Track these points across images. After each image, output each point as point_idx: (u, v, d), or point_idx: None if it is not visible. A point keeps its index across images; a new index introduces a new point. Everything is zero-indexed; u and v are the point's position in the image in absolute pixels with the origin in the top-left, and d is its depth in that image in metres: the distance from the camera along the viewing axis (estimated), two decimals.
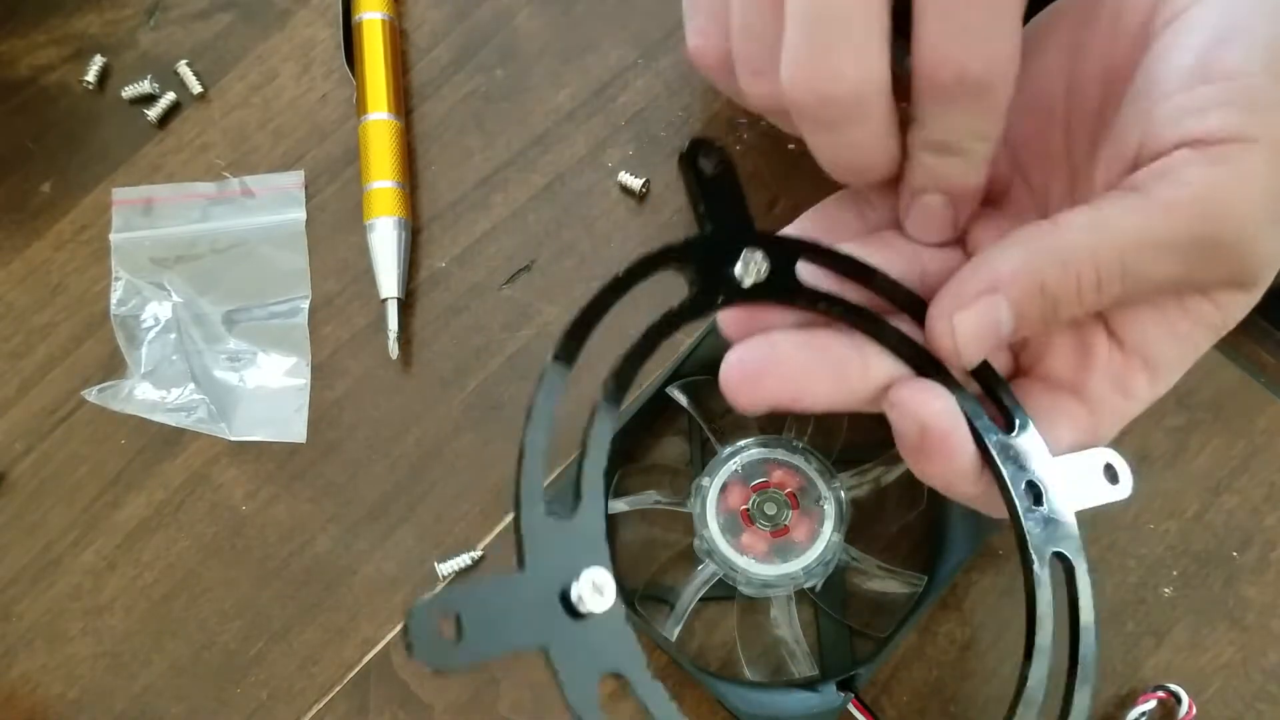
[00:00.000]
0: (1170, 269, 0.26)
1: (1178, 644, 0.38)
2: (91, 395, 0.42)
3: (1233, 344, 0.41)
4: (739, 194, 0.28)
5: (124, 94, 0.45)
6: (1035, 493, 0.29)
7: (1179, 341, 0.29)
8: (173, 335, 0.42)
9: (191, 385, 0.42)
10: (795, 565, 0.37)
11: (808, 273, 0.28)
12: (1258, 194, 0.26)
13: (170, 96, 0.45)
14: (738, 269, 0.27)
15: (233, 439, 0.41)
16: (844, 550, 0.37)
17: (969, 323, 0.27)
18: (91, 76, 0.45)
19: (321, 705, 0.39)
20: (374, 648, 0.40)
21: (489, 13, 0.45)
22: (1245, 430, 0.40)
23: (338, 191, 0.44)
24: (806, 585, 0.37)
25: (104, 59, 0.45)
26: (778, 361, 0.26)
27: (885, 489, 0.39)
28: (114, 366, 0.42)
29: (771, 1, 0.27)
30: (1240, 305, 0.29)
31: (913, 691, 0.38)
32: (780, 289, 0.28)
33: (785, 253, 0.28)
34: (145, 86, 0.45)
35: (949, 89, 0.26)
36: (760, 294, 0.27)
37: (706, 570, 0.38)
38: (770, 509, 0.37)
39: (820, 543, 0.37)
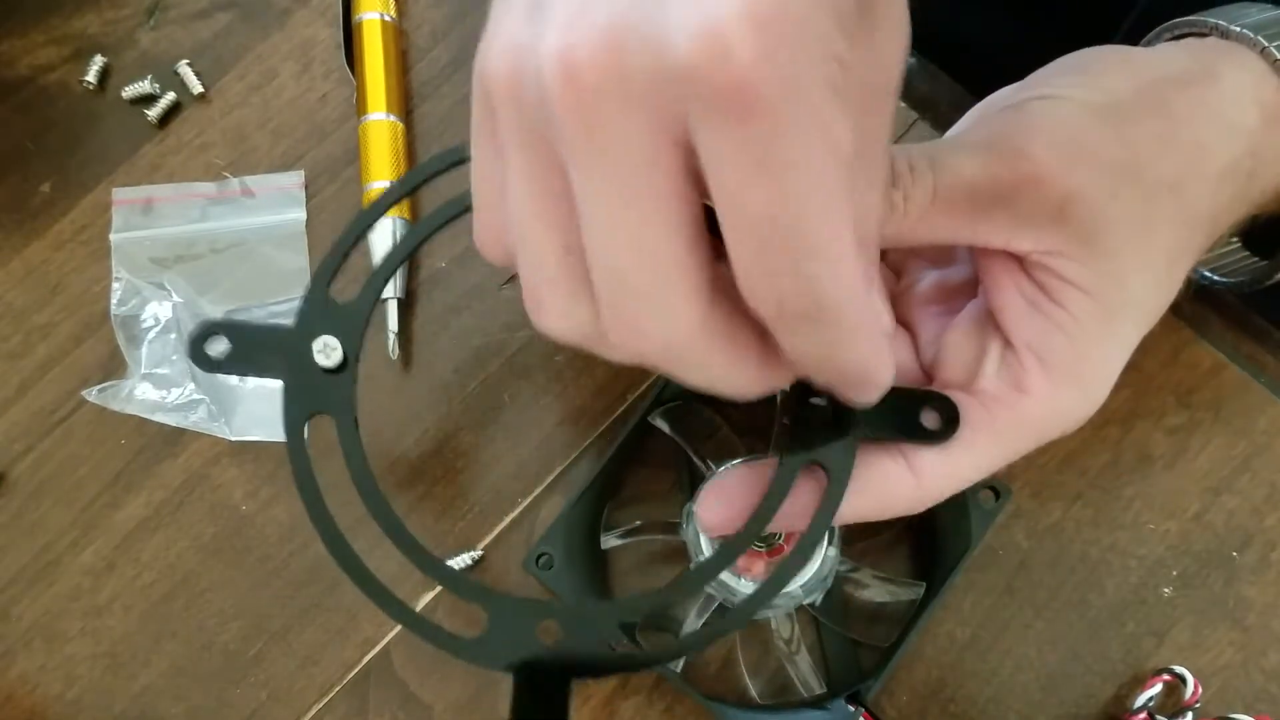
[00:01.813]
0: (972, 169, 0.28)
1: (1178, 644, 0.38)
2: (91, 395, 0.42)
3: (1233, 344, 0.41)
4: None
5: (124, 94, 0.45)
6: (813, 398, 0.28)
7: (1060, 331, 0.29)
8: (173, 335, 0.42)
9: (191, 385, 0.42)
10: (794, 584, 0.36)
11: None
12: (1043, 126, 0.28)
13: (170, 96, 0.45)
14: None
15: (233, 439, 0.41)
16: (840, 564, 0.37)
17: None
18: (91, 76, 0.45)
19: (321, 705, 0.39)
20: (374, 648, 0.40)
21: (488, 13, 0.45)
22: (1246, 430, 0.40)
23: (338, 191, 0.44)
24: (806, 602, 0.37)
25: (104, 59, 0.45)
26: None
27: None
28: (114, 366, 0.42)
29: (556, 235, 0.22)
30: (1100, 277, 0.29)
31: (912, 692, 0.38)
32: None
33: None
34: (145, 86, 0.45)
35: (778, 323, 0.22)
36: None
37: (705, 598, 0.37)
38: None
39: (817, 559, 0.36)
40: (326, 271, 0.31)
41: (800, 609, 0.37)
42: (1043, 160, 0.28)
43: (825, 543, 0.37)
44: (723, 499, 0.29)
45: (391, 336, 0.41)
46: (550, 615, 0.28)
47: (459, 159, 0.31)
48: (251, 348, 0.30)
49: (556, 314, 0.23)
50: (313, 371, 0.30)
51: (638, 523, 0.39)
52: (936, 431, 0.29)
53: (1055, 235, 0.28)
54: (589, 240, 0.21)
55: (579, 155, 0.20)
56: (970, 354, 0.30)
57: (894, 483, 0.29)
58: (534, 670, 0.28)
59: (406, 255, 0.33)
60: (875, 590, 0.38)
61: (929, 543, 0.39)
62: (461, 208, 0.32)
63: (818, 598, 0.37)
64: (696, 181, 0.20)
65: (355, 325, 0.30)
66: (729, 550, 0.29)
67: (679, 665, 0.37)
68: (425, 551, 0.29)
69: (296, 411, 0.30)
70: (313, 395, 0.30)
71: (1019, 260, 0.29)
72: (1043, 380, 0.29)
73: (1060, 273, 0.29)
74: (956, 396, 0.29)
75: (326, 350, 0.30)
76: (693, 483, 0.39)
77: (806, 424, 0.28)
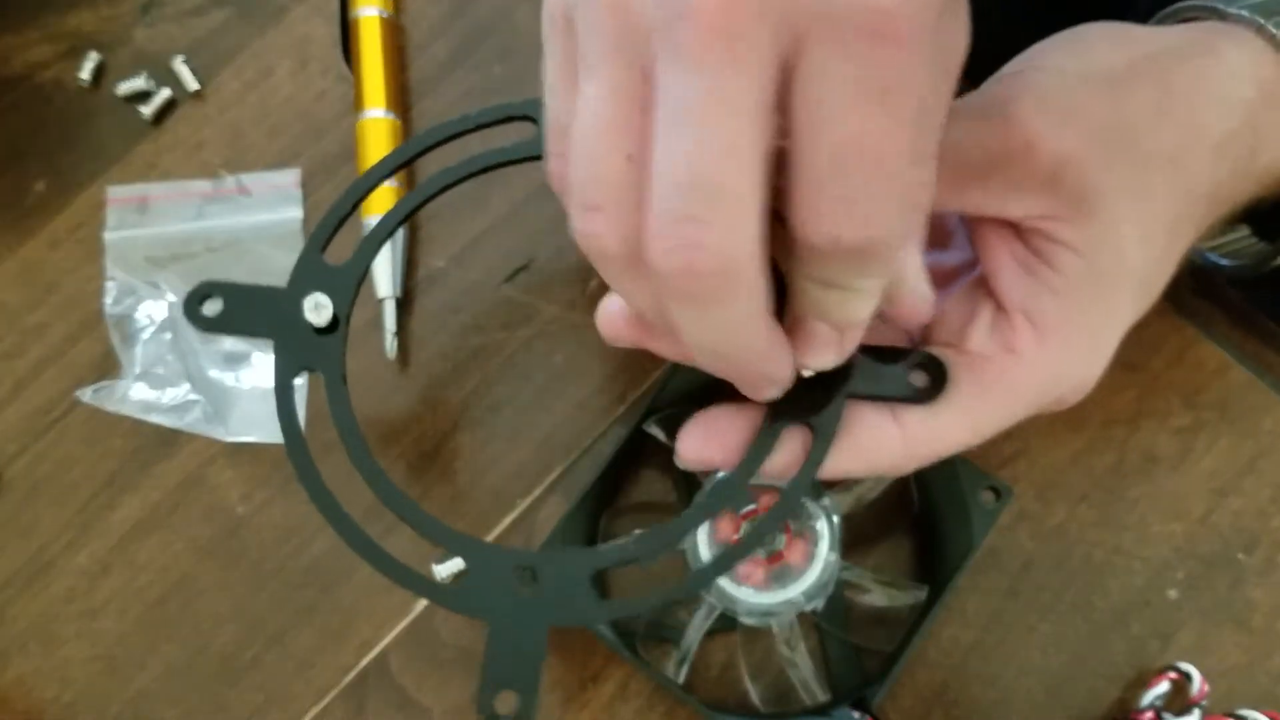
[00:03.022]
0: (960, 137, 0.28)
1: (1184, 646, 0.38)
2: (86, 396, 0.41)
3: (1239, 344, 0.40)
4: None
5: (119, 91, 0.44)
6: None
7: (1051, 292, 0.29)
8: (168, 335, 0.42)
9: (187, 385, 0.41)
10: (795, 590, 0.36)
11: None
12: (1033, 92, 0.28)
13: (165, 93, 0.44)
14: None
15: (228, 440, 0.41)
16: (841, 568, 0.37)
17: None
18: (86, 74, 0.45)
19: (318, 709, 0.39)
20: (371, 651, 0.39)
21: (487, 9, 0.45)
22: (1252, 431, 0.40)
23: (335, 189, 0.43)
24: (808, 608, 0.36)
25: (99, 56, 0.45)
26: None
27: (872, 502, 0.38)
28: (108, 367, 0.42)
29: (624, 140, 0.23)
30: (1093, 240, 0.28)
31: (916, 696, 0.38)
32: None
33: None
34: (140, 83, 0.44)
35: (825, 255, 0.23)
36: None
37: (706, 606, 0.37)
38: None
39: (817, 564, 0.36)
40: (321, 234, 0.31)
41: (802, 615, 0.37)
42: (1033, 125, 0.28)
43: (825, 548, 0.36)
44: (705, 434, 0.29)
45: (389, 336, 0.40)
46: (528, 563, 0.28)
47: (459, 130, 0.32)
48: (245, 307, 0.31)
49: (604, 219, 0.23)
50: (303, 330, 0.31)
51: (635, 532, 0.38)
52: (924, 390, 0.28)
53: (1048, 200, 0.28)
54: (671, 140, 0.22)
55: (690, 51, 0.21)
56: (962, 318, 0.30)
57: (880, 440, 0.29)
58: (509, 617, 0.28)
59: (403, 219, 0.33)
60: (877, 594, 0.38)
61: (930, 545, 0.39)
62: (459, 175, 0.32)
63: (819, 603, 0.36)
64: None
65: (347, 286, 0.31)
66: (706, 507, 0.29)
67: (681, 675, 0.37)
68: (406, 499, 0.29)
69: (286, 368, 0.30)
70: (302, 353, 0.31)
71: (1013, 226, 0.29)
72: (1032, 341, 0.29)
73: (1053, 235, 0.28)
74: (945, 355, 0.29)
75: (318, 308, 0.30)
76: (689, 491, 0.38)
77: (794, 384, 0.28)
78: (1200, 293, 0.41)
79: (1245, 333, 0.41)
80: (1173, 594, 0.38)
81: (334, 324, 0.31)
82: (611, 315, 0.29)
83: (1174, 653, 0.38)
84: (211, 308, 0.31)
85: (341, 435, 0.30)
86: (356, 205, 0.32)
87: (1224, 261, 0.38)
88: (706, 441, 0.29)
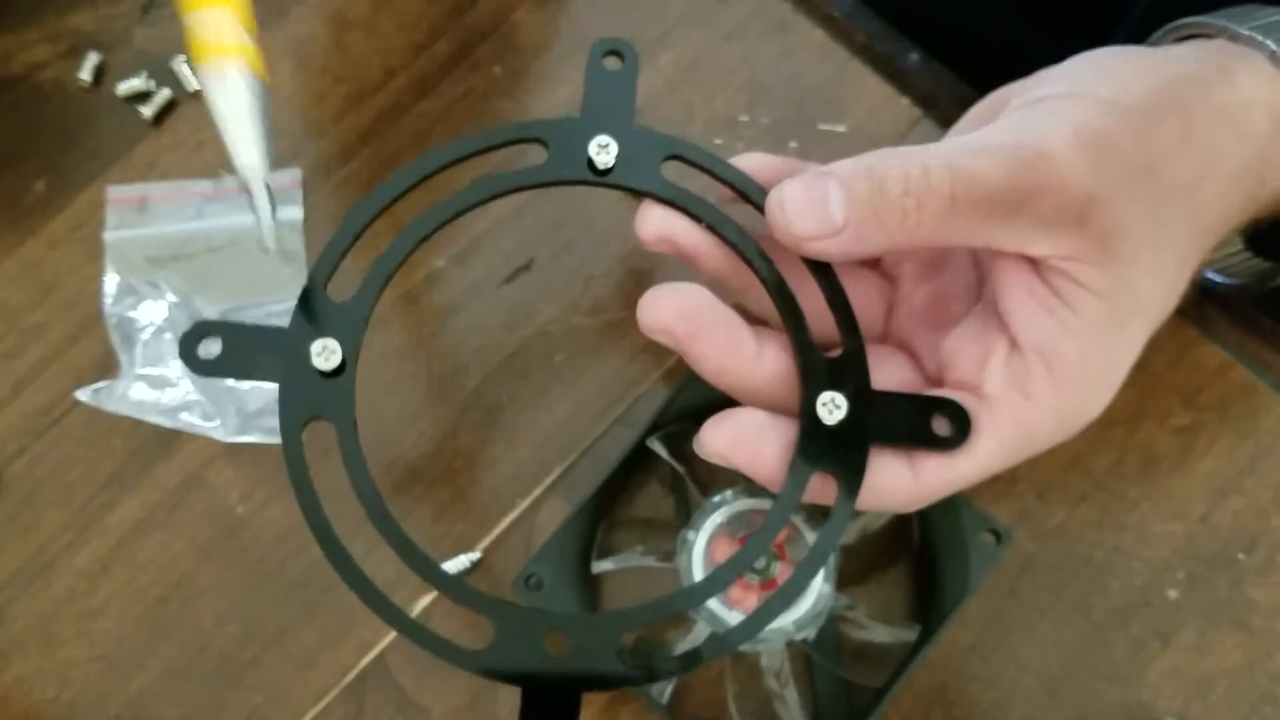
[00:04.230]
0: (994, 173, 0.27)
1: (1183, 647, 0.38)
2: (85, 396, 0.41)
3: (1239, 344, 0.40)
4: (629, 92, 0.30)
5: (119, 91, 0.44)
6: (826, 408, 0.29)
7: (1070, 335, 0.28)
8: (168, 335, 0.42)
9: (187, 385, 0.41)
10: (787, 618, 0.35)
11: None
12: (1068, 127, 0.28)
13: (165, 93, 0.44)
14: (590, 150, 0.30)
15: (228, 440, 0.41)
16: (835, 600, 0.36)
17: (795, 189, 0.28)
18: (86, 73, 0.45)
19: (318, 709, 0.39)
20: (371, 651, 0.39)
21: (487, 9, 0.45)
22: (1252, 431, 0.39)
23: (334, 189, 0.43)
24: (799, 638, 0.36)
25: (99, 55, 0.45)
26: (687, 303, 0.29)
27: (871, 536, 0.38)
28: (108, 366, 0.42)
29: None
30: (1114, 282, 0.28)
31: (915, 696, 0.38)
32: (648, 186, 0.30)
33: (653, 149, 0.30)
34: (140, 83, 0.44)
35: None
36: (616, 181, 0.30)
37: (696, 628, 0.36)
38: (759, 561, 0.35)
39: (811, 594, 0.35)
40: (323, 270, 0.30)
41: (791, 644, 0.36)
42: (1068, 163, 0.27)
43: (820, 578, 0.36)
44: (735, 435, 0.29)
45: (265, 227, 0.35)
46: (558, 625, 0.28)
47: (468, 152, 0.31)
48: (246, 349, 0.29)
49: None
50: (310, 375, 0.29)
51: (632, 549, 0.38)
52: (948, 438, 0.28)
53: (1074, 240, 0.28)
54: None
55: None
56: (976, 356, 0.30)
57: (893, 481, 0.29)
58: (543, 682, 0.27)
59: (410, 249, 0.31)
60: (869, 630, 0.37)
61: (927, 584, 0.39)
62: (467, 204, 0.31)
63: (810, 633, 0.36)
64: None
65: (353, 325, 0.29)
66: (735, 564, 0.29)
67: (664, 696, 0.36)
68: (430, 561, 0.28)
69: (294, 417, 0.29)
70: (310, 400, 0.29)
71: (1031, 262, 0.29)
72: (1048, 386, 0.29)
73: (1075, 277, 0.28)
74: (965, 400, 0.29)
75: (326, 353, 0.29)
76: (688, 510, 0.38)
77: (820, 433, 0.28)
78: (1200, 293, 0.41)
79: (1245, 333, 0.41)
80: (1173, 594, 0.38)
81: (342, 366, 0.29)
82: (661, 306, 0.29)
83: (1173, 653, 0.38)
84: (209, 349, 0.29)
85: (356, 489, 0.29)
86: (357, 239, 0.30)
87: (1220, 279, 0.38)
88: (735, 445, 0.29)
